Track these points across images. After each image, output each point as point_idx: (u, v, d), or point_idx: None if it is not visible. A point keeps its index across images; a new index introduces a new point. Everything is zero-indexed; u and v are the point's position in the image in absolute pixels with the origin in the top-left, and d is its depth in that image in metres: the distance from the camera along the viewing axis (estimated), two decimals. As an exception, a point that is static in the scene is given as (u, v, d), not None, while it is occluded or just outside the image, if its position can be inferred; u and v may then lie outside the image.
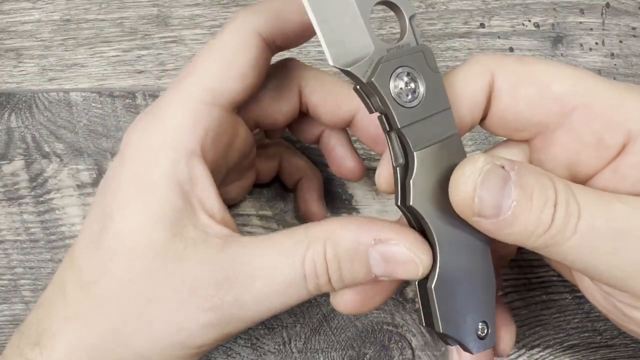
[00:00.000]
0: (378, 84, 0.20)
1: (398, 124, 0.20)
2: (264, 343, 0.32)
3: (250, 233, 0.33)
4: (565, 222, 0.18)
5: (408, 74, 0.20)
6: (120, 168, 0.22)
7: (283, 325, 0.32)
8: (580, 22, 0.36)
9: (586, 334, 0.32)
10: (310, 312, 0.32)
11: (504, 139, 0.24)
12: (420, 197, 0.20)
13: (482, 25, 0.36)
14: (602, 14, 0.36)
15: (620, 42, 0.36)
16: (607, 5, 0.36)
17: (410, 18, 0.21)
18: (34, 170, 0.33)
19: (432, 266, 0.21)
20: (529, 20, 0.36)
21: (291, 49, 0.26)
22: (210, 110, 0.22)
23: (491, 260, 0.22)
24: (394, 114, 0.20)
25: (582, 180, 0.21)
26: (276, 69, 0.26)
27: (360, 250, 0.21)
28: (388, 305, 0.32)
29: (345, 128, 0.29)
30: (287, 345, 0.32)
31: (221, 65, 0.22)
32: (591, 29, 0.36)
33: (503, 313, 0.24)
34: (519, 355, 0.31)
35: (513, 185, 0.18)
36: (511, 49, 0.35)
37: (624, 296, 0.20)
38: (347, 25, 0.20)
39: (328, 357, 0.32)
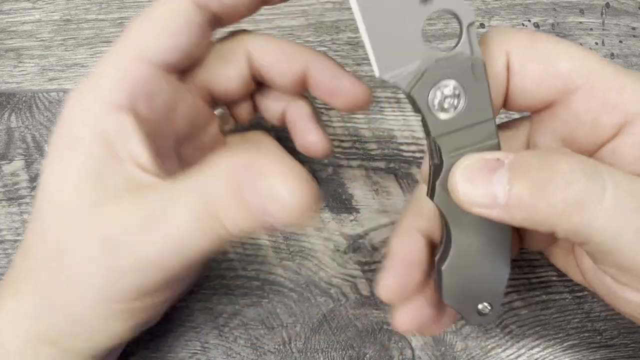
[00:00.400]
0: (416, 97, 0.20)
1: (432, 133, 0.21)
2: (264, 343, 0.32)
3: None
4: (589, 198, 0.18)
5: (450, 87, 0.20)
6: (56, 128, 0.23)
7: (283, 325, 0.32)
8: (580, 22, 0.36)
9: (586, 334, 0.32)
10: (310, 312, 0.32)
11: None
12: (444, 198, 0.21)
13: (482, 26, 0.36)
14: (602, 14, 0.36)
15: (620, 42, 0.36)
16: (607, 5, 0.36)
17: (469, 26, 0.20)
18: (34, 170, 0.33)
19: (446, 251, 0.22)
20: (529, 20, 0.36)
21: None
22: (140, 67, 0.22)
23: (509, 252, 0.22)
24: (428, 125, 0.20)
25: None
26: (222, 39, 0.26)
27: (239, 189, 0.19)
28: (388, 305, 0.32)
29: (311, 104, 0.28)
30: (287, 345, 0.32)
31: (152, 25, 0.22)
32: (591, 29, 0.36)
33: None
34: (519, 356, 0.31)
35: (505, 171, 0.18)
36: (511, 49, 0.35)
37: (627, 277, 0.20)
38: (398, 35, 0.20)
39: (328, 357, 0.32)
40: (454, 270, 0.22)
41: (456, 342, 0.32)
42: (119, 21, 0.36)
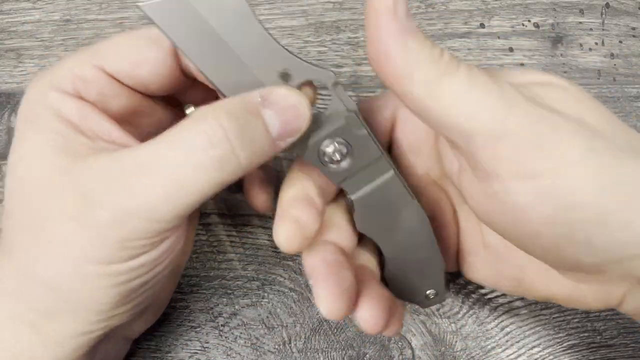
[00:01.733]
0: (309, 160, 0.23)
1: (334, 182, 0.24)
2: (264, 343, 0.32)
3: (250, 233, 0.33)
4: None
5: (334, 143, 0.23)
6: (18, 114, 0.23)
7: (283, 325, 0.32)
8: (580, 22, 0.36)
9: (586, 334, 0.32)
10: (310, 312, 0.32)
11: None
12: (364, 225, 0.25)
13: (482, 26, 0.36)
14: (601, 14, 0.36)
15: (620, 42, 0.36)
16: (607, 5, 0.36)
17: (333, 85, 0.22)
18: (34, 170, 0.33)
19: (383, 262, 0.26)
20: (529, 21, 0.36)
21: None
22: (94, 71, 0.23)
23: (436, 247, 0.26)
24: (329, 178, 0.24)
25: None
26: None
27: (252, 109, 0.21)
28: (388, 305, 0.32)
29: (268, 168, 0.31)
30: (287, 345, 0.32)
31: (116, 46, 0.24)
32: (591, 29, 0.36)
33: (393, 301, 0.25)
34: (519, 356, 0.31)
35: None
36: (511, 49, 0.35)
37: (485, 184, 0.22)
38: None
39: (328, 357, 0.32)
40: (394, 274, 0.26)
41: (456, 342, 0.32)
42: (119, 21, 0.36)
